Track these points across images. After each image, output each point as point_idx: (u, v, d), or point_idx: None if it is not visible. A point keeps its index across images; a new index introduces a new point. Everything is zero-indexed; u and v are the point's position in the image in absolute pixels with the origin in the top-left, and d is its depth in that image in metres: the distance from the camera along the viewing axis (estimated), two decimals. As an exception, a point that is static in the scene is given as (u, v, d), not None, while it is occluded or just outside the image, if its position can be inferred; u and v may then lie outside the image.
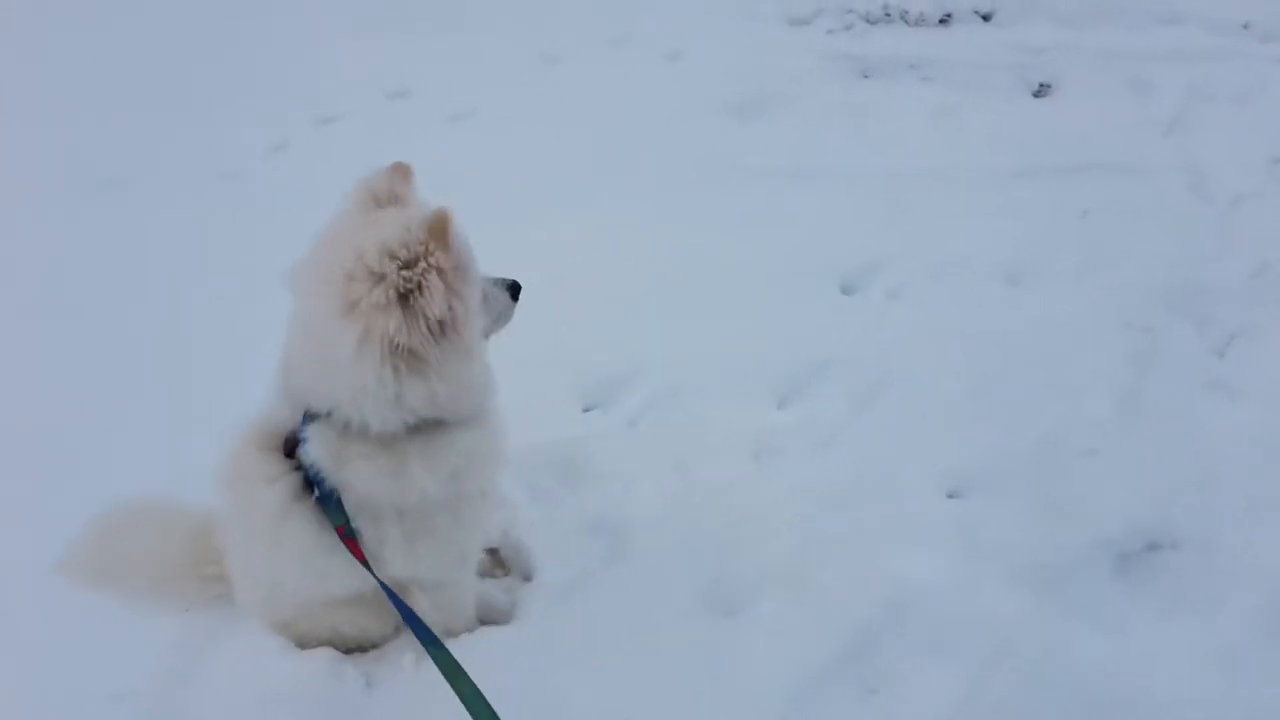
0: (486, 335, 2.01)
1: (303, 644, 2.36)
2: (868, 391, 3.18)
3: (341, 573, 2.00)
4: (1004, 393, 3.15)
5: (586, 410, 3.19)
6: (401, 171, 1.91)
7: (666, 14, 5.58)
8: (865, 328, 3.49)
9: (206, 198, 4.30)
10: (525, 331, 3.17)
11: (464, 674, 1.62)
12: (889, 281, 3.74)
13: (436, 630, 2.25)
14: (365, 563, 1.91)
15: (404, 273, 1.68)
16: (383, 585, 1.91)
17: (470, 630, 2.36)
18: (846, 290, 3.73)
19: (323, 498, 1.89)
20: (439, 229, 1.69)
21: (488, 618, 2.46)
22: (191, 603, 2.45)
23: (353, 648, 2.37)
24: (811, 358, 3.31)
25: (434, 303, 1.69)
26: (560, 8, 5.66)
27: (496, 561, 2.69)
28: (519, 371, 3.08)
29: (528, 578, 2.62)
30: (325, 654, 2.32)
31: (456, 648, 2.00)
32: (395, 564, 2.00)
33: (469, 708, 1.56)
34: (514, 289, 2.09)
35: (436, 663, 1.66)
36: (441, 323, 1.73)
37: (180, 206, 4.23)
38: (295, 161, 4.56)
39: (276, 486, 1.95)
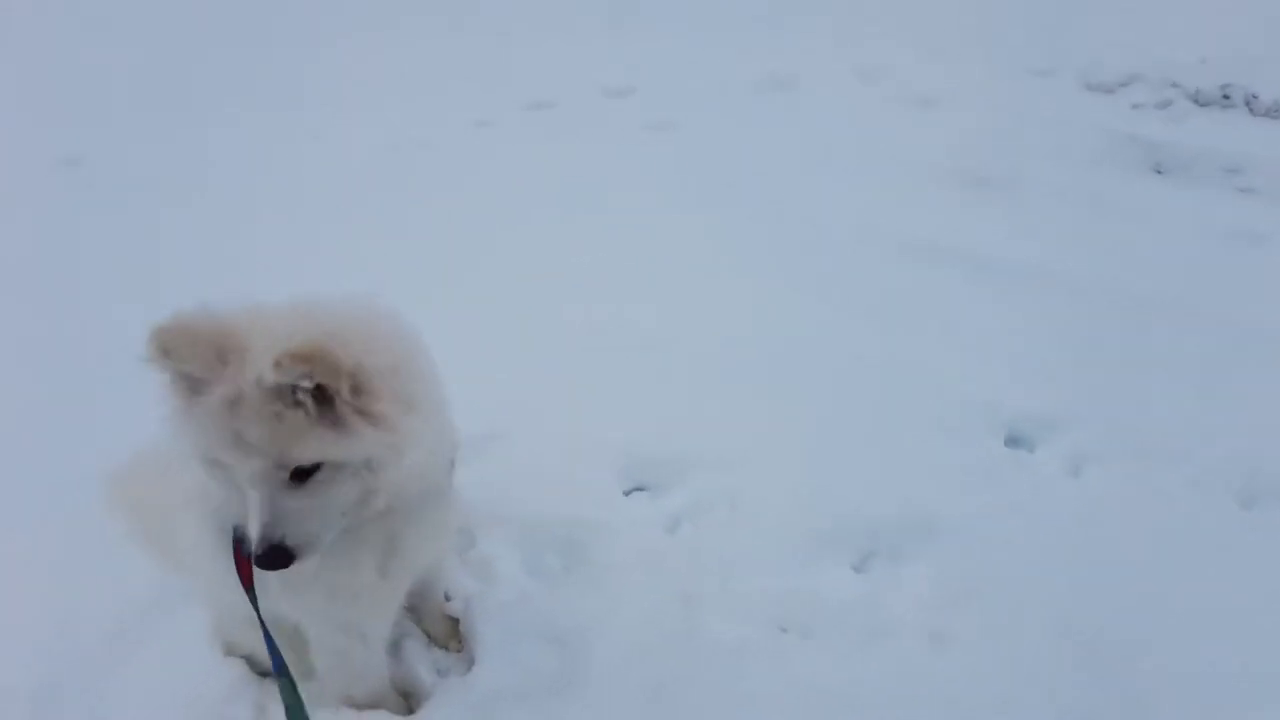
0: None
1: (228, 652, 2.29)
2: (981, 596, 2.40)
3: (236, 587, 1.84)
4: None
5: (627, 493, 2.80)
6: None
7: (926, 47, 4.83)
8: (1015, 500, 2.70)
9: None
10: (592, 387, 3.07)
11: (299, 713, 1.56)
12: (1074, 445, 2.91)
13: (332, 693, 2.08)
14: (249, 586, 1.73)
15: None
16: (254, 606, 1.72)
17: (367, 696, 2.10)
18: (1011, 442, 2.95)
19: None
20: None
21: (405, 691, 2.23)
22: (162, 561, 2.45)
23: (264, 673, 2.24)
24: (922, 519, 2.62)
25: None
26: (802, 28, 5.12)
27: (452, 633, 2.43)
28: (568, 428, 2.92)
29: (473, 662, 2.33)
30: (236, 670, 2.23)
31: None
32: (280, 604, 1.81)
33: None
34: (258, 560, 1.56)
35: (281, 693, 1.61)
36: None
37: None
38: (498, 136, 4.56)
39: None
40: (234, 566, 1.75)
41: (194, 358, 1.38)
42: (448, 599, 2.44)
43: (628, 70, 5.00)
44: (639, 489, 2.83)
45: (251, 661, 2.25)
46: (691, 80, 4.90)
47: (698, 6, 5.47)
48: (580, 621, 2.36)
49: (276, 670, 1.65)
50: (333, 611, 1.87)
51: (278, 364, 1.34)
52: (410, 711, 2.20)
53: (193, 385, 1.42)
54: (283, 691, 1.62)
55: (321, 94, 5.31)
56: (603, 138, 4.56)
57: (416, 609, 2.42)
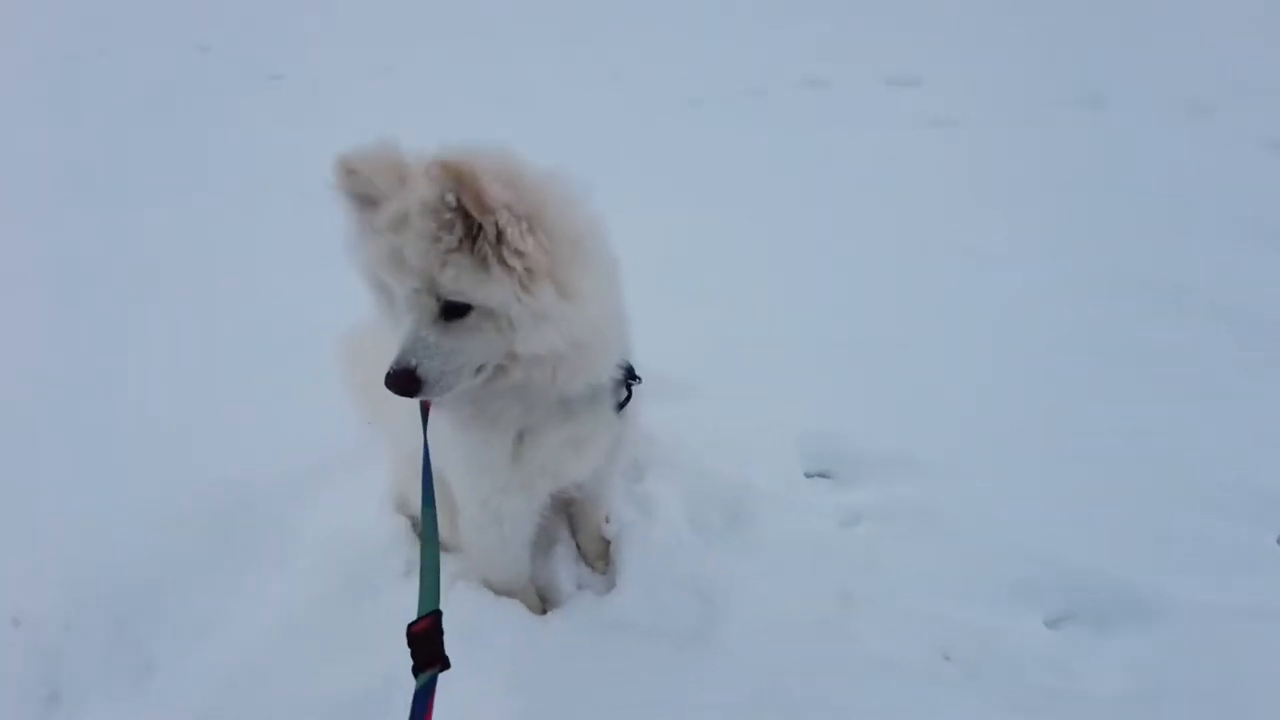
0: None
1: (400, 508, 2.41)
2: (1199, 700, 1.99)
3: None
4: None
5: (807, 475, 2.63)
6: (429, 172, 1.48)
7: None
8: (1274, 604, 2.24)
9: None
10: (797, 362, 2.97)
11: (432, 543, 1.58)
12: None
13: (473, 569, 2.13)
14: (425, 416, 1.79)
15: None
16: (426, 451, 1.76)
17: (502, 584, 2.15)
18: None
19: None
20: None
21: (543, 591, 2.27)
22: (381, 423, 2.63)
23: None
24: (1142, 594, 2.21)
25: None
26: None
27: (602, 553, 2.40)
28: (762, 396, 2.79)
29: (612, 587, 2.29)
30: (400, 526, 2.35)
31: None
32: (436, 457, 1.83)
33: (421, 573, 1.53)
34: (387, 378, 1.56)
35: (422, 521, 1.64)
36: None
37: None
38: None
39: None
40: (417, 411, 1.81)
41: (373, 177, 1.48)
42: (607, 521, 2.42)
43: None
44: (822, 475, 2.66)
45: (415, 523, 2.35)
46: (988, 83, 4.53)
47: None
48: (728, 583, 2.24)
49: (424, 501, 1.67)
50: (469, 479, 1.92)
51: (427, 170, 1.39)
52: (542, 611, 2.20)
53: (368, 207, 1.52)
54: (424, 520, 1.64)
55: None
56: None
57: (574, 521, 2.43)
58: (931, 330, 3.23)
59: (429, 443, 1.79)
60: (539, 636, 2.07)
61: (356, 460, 2.60)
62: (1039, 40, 5.25)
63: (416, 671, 1.40)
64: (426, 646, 1.42)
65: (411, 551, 2.31)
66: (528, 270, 1.45)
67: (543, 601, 2.25)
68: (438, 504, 1.86)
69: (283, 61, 6.25)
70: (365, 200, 1.53)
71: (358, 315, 2.60)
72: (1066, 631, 2.17)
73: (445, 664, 1.42)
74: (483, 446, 1.80)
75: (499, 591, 2.15)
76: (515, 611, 2.12)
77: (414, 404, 1.98)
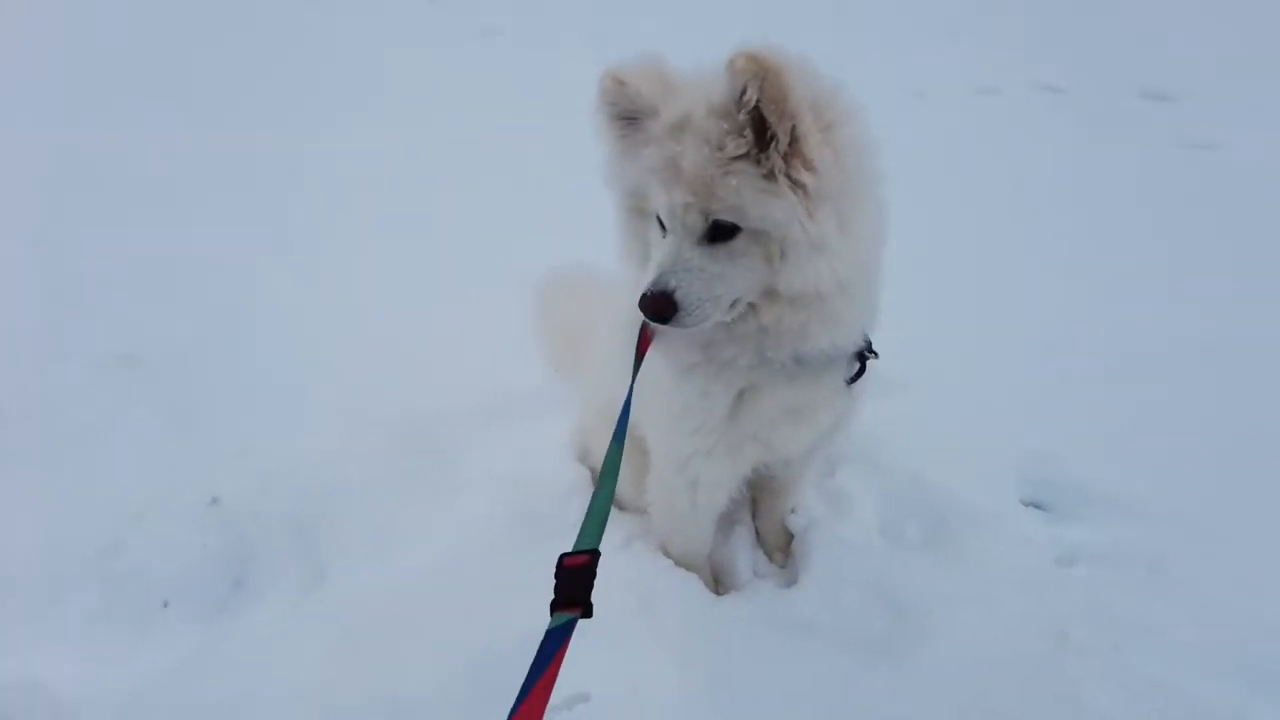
0: None
1: (581, 458, 2.35)
2: None
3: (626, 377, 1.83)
4: None
5: (1024, 503, 2.36)
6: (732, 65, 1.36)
7: None
8: None
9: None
10: (1024, 372, 2.70)
11: (610, 478, 1.47)
12: None
13: (656, 531, 2.02)
14: (639, 360, 1.66)
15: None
16: (630, 393, 1.63)
17: (680, 554, 2.02)
18: None
19: None
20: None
21: (717, 571, 2.12)
22: (577, 366, 2.58)
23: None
24: None
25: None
26: None
27: (783, 545, 2.24)
28: (977, 406, 2.53)
29: (791, 582, 2.12)
30: (580, 476, 2.28)
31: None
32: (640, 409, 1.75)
33: (590, 507, 1.41)
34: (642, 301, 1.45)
35: (606, 456, 1.53)
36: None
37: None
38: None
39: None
40: (632, 353, 1.70)
41: (642, 88, 1.40)
42: (793, 511, 2.24)
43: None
44: (1036, 505, 2.38)
45: (595, 474, 2.26)
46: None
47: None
48: (926, 600, 2.02)
49: (615, 437, 1.55)
50: (674, 437, 1.78)
51: (730, 63, 1.27)
52: (716, 592, 2.06)
53: (634, 122, 1.43)
54: (608, 455, 1.52)
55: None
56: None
57: (758, 506, 2.27)
58: (1173, 360, 2.85)
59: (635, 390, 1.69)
60: (713, 616, 1.93)
61: (538, 406, 2.57)
62: None
63: (554, 608, 1.23)
64: (574, 584, 1.25)
65: (586, 503, 2.22)
66: (815, 191, 1.31)
67: (716, 582, 2.11)
68: (624, 465, 1.78)
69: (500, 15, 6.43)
70: (630, 116, 1.45)
71: (554, 262, 2.63)
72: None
73: (587, 611, 1.24)
74: (700, 399, 1.66)
75: (675, 561, 2.03)
76: (692, 584, 1.99)
77: (615, 355, 1.90)
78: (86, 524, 2.12)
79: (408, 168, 4.24)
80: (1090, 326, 3.01)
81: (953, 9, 6.05)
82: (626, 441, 1.70)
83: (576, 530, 2.13)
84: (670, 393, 1.69)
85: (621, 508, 2.18)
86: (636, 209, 1.50)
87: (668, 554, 2.04)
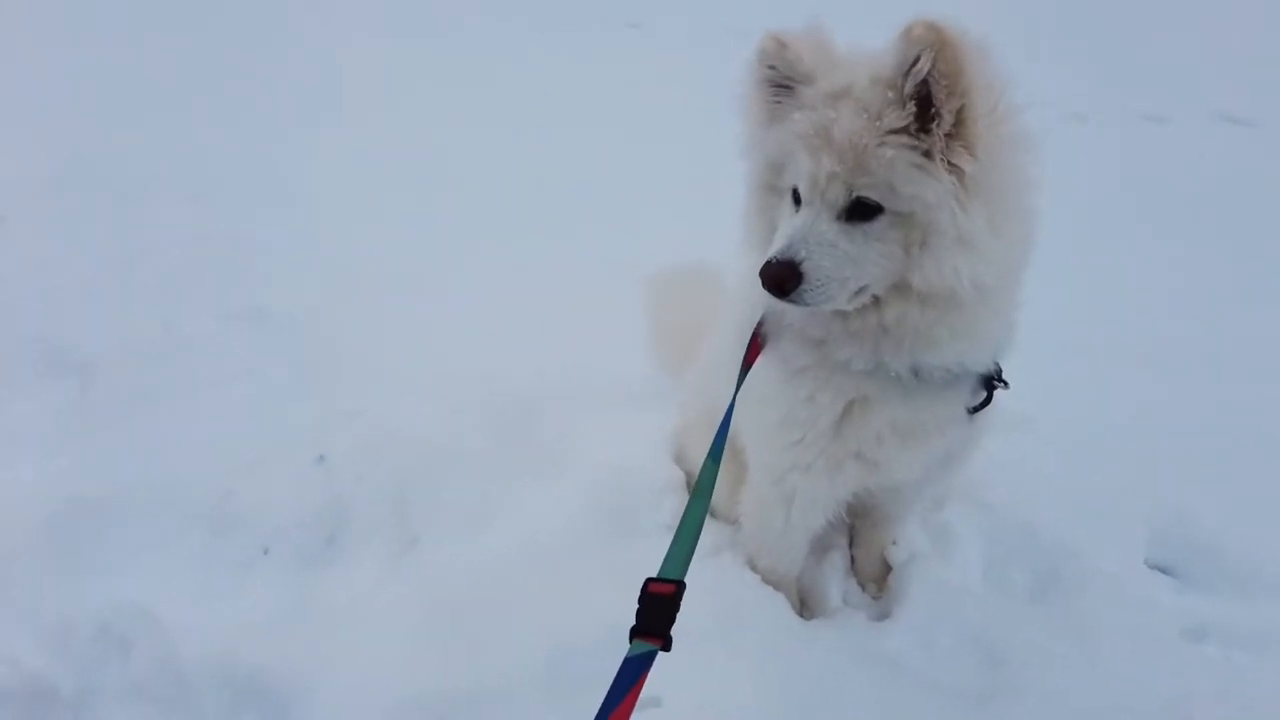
0: None
1: (678, 459, 2.31)
2: None
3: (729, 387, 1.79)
4: None
5: (1150, 566, 2.17)
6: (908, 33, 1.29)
7: None
8: None
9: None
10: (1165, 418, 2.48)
11: (703, 499, 1.40)
12: None
13: (744, 545, 1.96)
14: (745, 369, 1.62)
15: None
16: (733, 403, 1.59)
17: (768, 570, 1.96)
18: None
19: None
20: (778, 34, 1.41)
21: (804, 594, 2.05)
22: (683, 365, 2.55)
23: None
24: None
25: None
26: None
27: (879, 576, 2.13)
28: (1105, 446, 2.35)
29: (884, 616, 2.02)
30: (676, 477, 2.24)
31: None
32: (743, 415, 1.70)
33: (679, 529, 1.35)
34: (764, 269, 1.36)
35: (700, 471, 1.48)
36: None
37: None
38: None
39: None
40: (743, 355, 1.64)
41: (804, 54, 1.35)
42: (894, 543, 2.14)
43: None
44: (1164, 570, 2.18)
45: (692, 477, 2.22)
46: None
47: None
48: (1028, 654, 1.88)
49: (711, 454, 1.49)
50: (773, 448, 1.70)
51: (907, 30, 1.20)
52: (802, 615, 1.98)
53: (787, 90, 1.38)
54: (702, 473, 1.46)
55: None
56: None
57: (856, 533, 2.18)
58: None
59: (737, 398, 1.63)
60: (796, 638, 1.85)
61: (639, 399, 2.54)
62: None
63: (634, 634, 1.19)
64: (657, 613, 1.20)
65: (680, 505, 2.17)
66: (972, 180, 1.24)
67: (802, 604, 2.03)
68: (721, 472, 1.72)
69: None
70: (785, 83, 1.39)
71: (672, 258, 2.59)
72: None
73: (667, 645, 1.18)
74: (804, 406, 1.58)
75: (762, 577, 1.96)
76: (778, 603, 1.92)
77: (724, 359, 1.85)
78: (204, 468, 2.24)
79: (528, 157, 4.32)
80: (1231, 357, 2.76)
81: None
82: (726, 449, 1.66)
83: (665, 531, 2.14)
84: (773, 399, 1.62)
85: (714, 516, 2.12)
86: (770, 185, 1.44)
87: (754, 569, 1.98)
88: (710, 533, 2.06)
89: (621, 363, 2.65)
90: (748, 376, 1.61)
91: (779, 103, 1.38)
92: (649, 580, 1.23)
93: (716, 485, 1.57)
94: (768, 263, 1.33)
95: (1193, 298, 3.27)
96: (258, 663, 1.75)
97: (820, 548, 2.11)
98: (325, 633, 1.85)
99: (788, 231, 1.34)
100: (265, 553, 2.04)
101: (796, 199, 1.37)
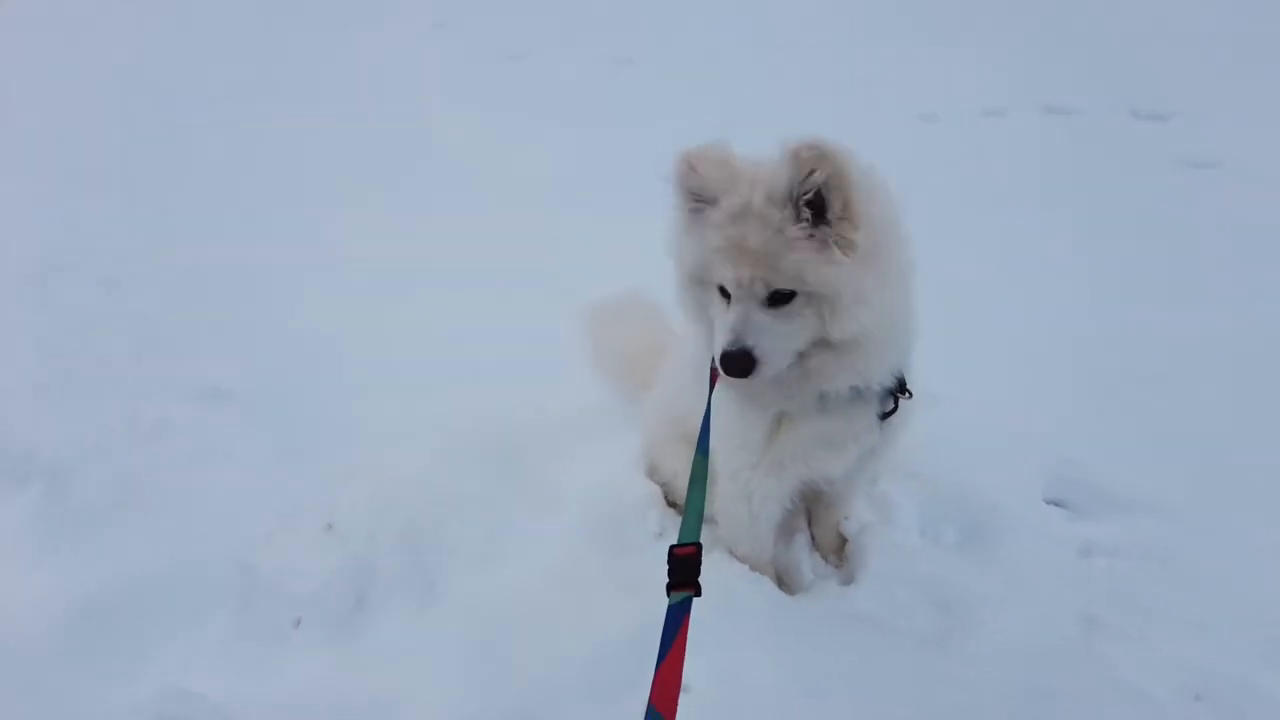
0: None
1: (650, 474, 2.59)
2: None
3: (696, 404, 2.09)
4: None
5: (1049, 501, 2.63)
6: (794, 157, 1.60)
7: None
8: None
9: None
10: (1046, 384, 2.98)
11: (699, 484, 1.71)
12: None
13: (721, 538, 2.27)
14: (713, 382, 1.92)
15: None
16: (709, 410, 1.90)
17: (746, 557, 2.28)
18: None
19: None
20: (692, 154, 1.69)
21: (782, 574, 2.37)
22: (632, 387, 2.84)
23: (674, 504, 2.50)
24: None
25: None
26: None
27: (838, 548, 2.50)
28: (1003, 414, 2.80)
29: (849, 581, 2.38)
30: (652, 491, 2.53)
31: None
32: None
33: (687, 504, 1.67)
34: (723, 358, 1.69)
35: (693, 466, 1.77)
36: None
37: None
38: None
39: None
40: (705, 382, 1.96)
41: (711, 174, 1.65)
42: (845, 519, 2.51)
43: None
44: (1058, 504, 2.65)
45: (666, 489, 2.52)
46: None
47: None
48: (967, 595, 2.28)
49: (698, 449, 1.82)
50: (725, 452, 2.04)
51: (796, 154, 1.54)
52: (784, 592, 2.32)
53: (699, 203, 1.68)
54: (694, 466, 1.77)
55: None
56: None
57: (813, 514, 2.53)
58: (1180, 368, 3.14)
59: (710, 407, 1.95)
60: (789, 613, 2.19)
61: (608, 422, 2.81)
62: None
63: (670, 589, 1.49)
64: (685, 570, 1.51)
65: (662, 515, 2.48)
66: (862, 248, 1.59)
67: (781, 583, 2.37)
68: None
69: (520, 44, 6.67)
70: (698, 197, 1.69)
71: (603, 290, 2.88)
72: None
73: (698, 591, 1.50)
74: (739, 421, 1.95)
75: (743, 562, 2.29)
76: (766, 586, 2.24)
77: (687, 380, 2.18)
78: (215, 548, 2.36)
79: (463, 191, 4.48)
80: (1103, 341, 3.30)
81: (942, 28, 6.33)
82: (691, 446, 1.99)
83: (654, 539, 2.44)
84: (721, 410, 1.95)
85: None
86: (696, 279, 1.76)
87: (735, 557, 2.29)
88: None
89: (580, 393, 2.92)
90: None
91: (695, 212, 1.69)
92: (673, 546, 1.54)
93: (684, 480, 1.91)
94: (726, 353, 1.65)
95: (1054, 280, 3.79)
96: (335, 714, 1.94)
97: (787, 533, 2.45)
98: (374, 686, 2.04)
99: (731, 325, 1.65)
100: (298, 624, 2.20)
101: (724, 293, 1.70)
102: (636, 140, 4.66)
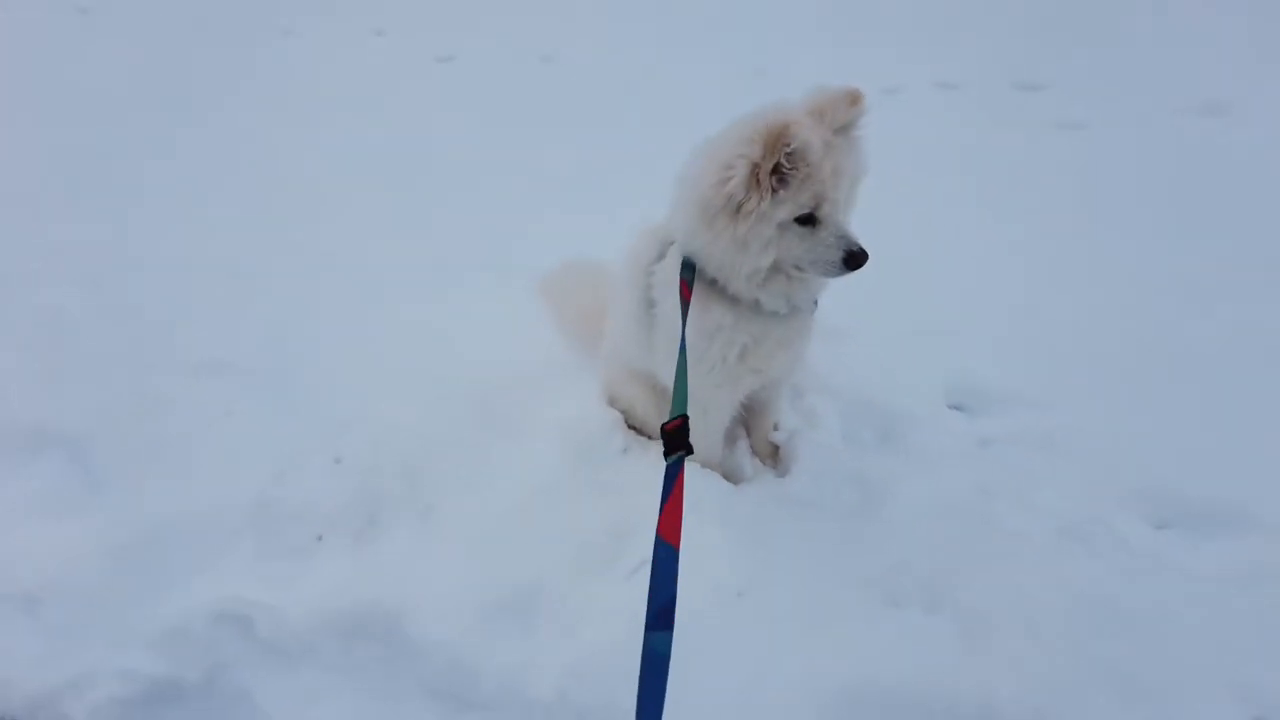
0: (793, 262, 2.21)
1: (610, 403, 3.00)
2: None
3: (640, 344, 2.57)
4: None
5: (950, 406, 3.13)
6: (849, 98, 2.13)
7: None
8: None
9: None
10: (942, 306, 3.48)
11: (683, 375, 2.06)
12: None
13: None
14: (685, 306, 2.24)
15: (735, 155, 2.04)
16: (684, 334, 2.20)
17: (705, 464, 2.71)
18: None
19: (683, 267, 2.32)
20: (770, 135, 2.00)
21: (728, 474, 2.80)
22: (586, 341, 3.25)
23: (634, 426, 2.92)
24: (1235, 511, 2.69)
25: (730, 184, 2.03)
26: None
27: (772, 454, 2.94)
28: (908, 337, 3.30)
29: (785, 474, 2.83)
30: (615, 417, 2.93)
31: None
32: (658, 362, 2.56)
33: (674, 391, 2.03)
34: (851, 258, 2.15)
35: (678, 362, 2.10)
36: (738, 205, 2.06)
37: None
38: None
39: (644, 265, 2.54)
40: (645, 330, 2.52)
41: (803, 136, 2.01)
42: (775, 428, 2.95)
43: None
44: (958, 408, 3.15)
45: (626, 414, 2.93)
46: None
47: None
48: (883, 478, 2.75)
49: (680, 349, 2.13)
50: (694, 375, 2.34)
51: (850, 95, 2.09)
52: (734, 482, 2.76)
53: (790, 168, 2.03)
54: (679, 362, 2.10)
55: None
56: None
57: (749, 426, 2.97)
58: (1057, 296, 3.70)
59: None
60: (738, 497, 2.63)
61: (567, 371, 3.20)
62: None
63: (667, 455, 1.85)
64: (676, 438, 1.88)
65: (625, 435, 2.88)
66: None
67: (727, 477, 2.80)
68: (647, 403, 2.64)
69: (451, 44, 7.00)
70: (789, 168, 2.04)
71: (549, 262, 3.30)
72: (1170, 531, 2.63)
73: (690, 450, 1.87)
74: (718, 351, 2.38)
75: (703, 462, 2.71)
76: (716, 479, 2.68)
77: (631, 323, 2.62)
78: (233, 491, 2.66)
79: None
80: (994, 275, 3.84)
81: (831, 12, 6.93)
82: (648, 384, 2.55)
83: (621, 454, 2.85)
84: (693, 347, 2.31)
85: (650, 436, 2.86)
86: (807, 212, 2.14)
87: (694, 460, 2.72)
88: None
89: (545, 350, 3.31)
90: (670, 334, 2.37)
91: (784, 181, 2.05)
92: (664, 424, 1.93)
93: (646, 410, 2.67)
94: (861, 251, 2.12)
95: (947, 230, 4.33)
96: (362, 605, 2.29)
97: (730, 440, 2.89)
98: (392, 585, 2.38)
99: (848, 233, 2.14)
100: (320, 540, 2.54)
101: (803, 222, 2.11)
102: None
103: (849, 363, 3.23)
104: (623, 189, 3.63)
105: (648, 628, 1.59)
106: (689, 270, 2.29)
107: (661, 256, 2.52)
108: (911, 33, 6.25)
